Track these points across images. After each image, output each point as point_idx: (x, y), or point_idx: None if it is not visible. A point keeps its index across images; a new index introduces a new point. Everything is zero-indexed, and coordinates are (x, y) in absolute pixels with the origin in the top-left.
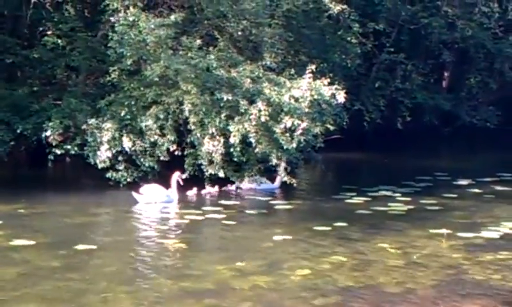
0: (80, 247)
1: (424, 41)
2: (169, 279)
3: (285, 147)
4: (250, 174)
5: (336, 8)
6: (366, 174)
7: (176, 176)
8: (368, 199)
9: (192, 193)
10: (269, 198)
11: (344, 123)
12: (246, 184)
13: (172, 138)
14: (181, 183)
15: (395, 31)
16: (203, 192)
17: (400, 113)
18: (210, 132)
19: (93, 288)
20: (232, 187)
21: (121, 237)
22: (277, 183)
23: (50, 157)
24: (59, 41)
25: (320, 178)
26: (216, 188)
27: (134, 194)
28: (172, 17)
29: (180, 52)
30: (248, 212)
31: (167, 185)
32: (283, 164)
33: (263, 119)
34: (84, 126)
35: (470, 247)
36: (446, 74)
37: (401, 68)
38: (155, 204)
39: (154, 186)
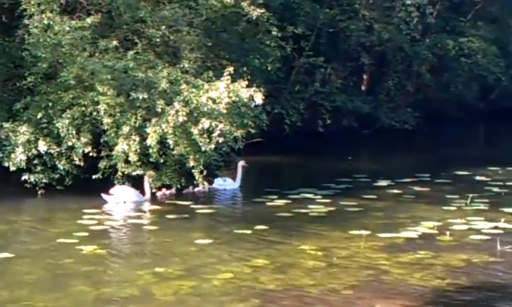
0: None
1: (342, 44)
2: (89, 286)
3: (203, 149)
4: (168, 176)
5: (254, 13)
6: (287, 176)
7: (146, 176)
8: (289, 201)
9: (161, 193)
10: (191, 202)
11: (264, 125)
12: (209, 184)
13: (88, 141)
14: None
15: (314, 35)
16: (158, 194)
17: (321, 116)
18: (125, 131)
19: (13, 297)
20: (189, 189)
21: (40, 245)
22: (238, 181)
23: None
24: None
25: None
26: (173, 190)
27: (103, 195)
28: (88, 20)
29: (97, 54)
30: (169, 217)
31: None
32: (199, 166)
33: (181, 119)
34: None
35: (390, 247)
36: (365, 77)
37: (320, 71)
38: (124, 203)
39: (124, 187)
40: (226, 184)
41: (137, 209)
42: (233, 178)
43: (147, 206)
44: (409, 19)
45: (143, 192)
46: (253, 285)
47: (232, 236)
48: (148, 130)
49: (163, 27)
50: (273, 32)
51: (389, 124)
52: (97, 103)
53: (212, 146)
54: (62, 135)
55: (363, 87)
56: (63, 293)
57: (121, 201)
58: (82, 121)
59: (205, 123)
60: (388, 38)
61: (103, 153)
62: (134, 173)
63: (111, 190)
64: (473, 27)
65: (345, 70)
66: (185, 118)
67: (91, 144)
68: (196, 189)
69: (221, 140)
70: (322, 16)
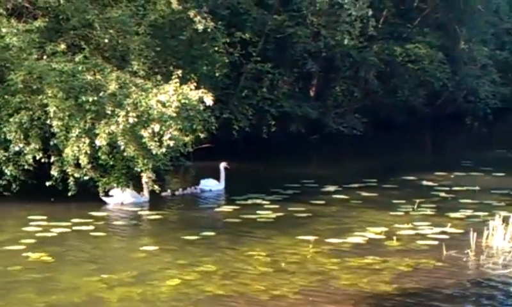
0: None
1: (290, 50)
2: (37, 293)
3: (154, 152)
4: (117, 179)
5: (200, 26)
6: (235, 182)
7: (145, 177)
8: (237, 207)
9: (167, 194)
10: (138, 208)
11: (214, 129)
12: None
13: (37, 146)
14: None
15: (261, 41)
16: (162, 194)
17: (267, 122)
18: (74, 134)
19: None
20: (179, 191)
21: None
22: (222, 182)
23: None
24: None
25: (189, 187)
26: (180, 190)
27: (102, 197)
28: (36, 23)
29: (45, 57)
30: (116, 223)
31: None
32: (149, 171)
33: (131, 120)
34: None
35: (337, 252)
36: (313, 83)
37: (268, 77)
38: (122, 204)
39: (124, 189)
40: (211, 185)
41: (85, 215)
42: (218, 179)
43: (97, 212)
44: (352, 30)
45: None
46: (201, 291)
47: (180, 242)
48: (97, 130)
49: (111, 31)
50: (221, 40)
51: (337, 130)
52: (46, 106)
53: (163, 150)
54: (10, 139)
55: (311, 93)
56: (9, 301)
57: (120, 203)
58: (30, 125)
59: (156, 126)
60: (335, 44)
61: (53, 159)
62: (86, 177)
63: (111, 192)
64: (420, 33)
65: (293, 76)
66: (136, 120)
67: (40, 149)
68: (184, 191)
69: (171, 143)
70: (270, 22)
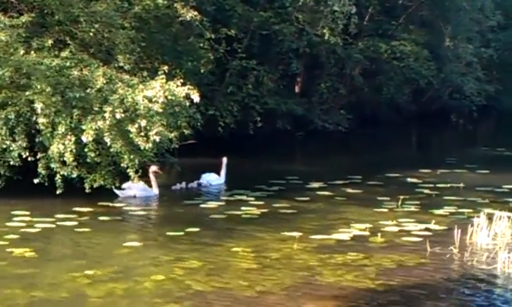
0: None
1: (275, 46)
2: (21, 288)
3: (141, 147)
4: (104, 176)
5: (188, 15)
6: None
7: (152, 170)
8: (222, 203)
9: (177, 187)
10: (124, 204)
11: (199, 125)
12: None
13: (24, 144)
14: (157, 173)
15: (247, 37)
16: (173, 187)
17: (252, 119)
18: (60, 131)
19: None
20: (182, 185)
21: None
22: (223, 176)
23: None
24: None
25: (174, 182)
26: (184, 184)
27: (114, 189)
28: (22, 18)
29: (32, 53)
30: (101, 218)
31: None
32: (135, 166)
33: (118, 116)
34: None
35: (322, 249)
36: (298, 79)
37: (253, 74)
38: (135, 198)
39: (137, 182)
40: (212, 179)
41: (70, 211)
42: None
43: (81, 208)
44: (334, 26)
45: (151, 186)
46: (185, 287)
47: (165, 238)
48: (84, 126)
49: (96, 25)
50: (206, 34)
51: (322, 126)
52: (32, 102)
53: (150, 145)
54: None
55: (296, 90)
56: None
57: (132, 196)
58: (16, 121)
59: (142, 121)
60: (320, 41)
61: (39, 156)
62: (74, 175)
63: (123, 185)
64: (405, 30)
65: (279, 73)
66: (122, 115)
67: (27, 147)
68: (189, 185)
69: (158, 139)
70: (255, 19)
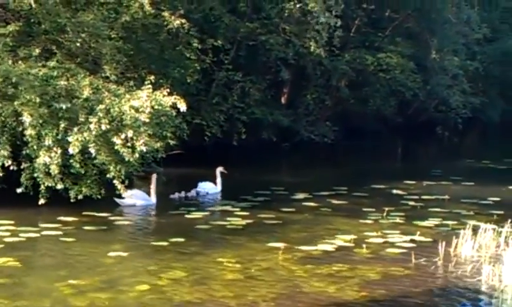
0: None
1: (262, 57)
2: (4, 298)
3: (126, 159)
4: (89, 186)
5: (175, 23)
6: None
7: (154, 178)
8: (207, 213)
9: (175, 196)
10: (108, 214)
11: (185, 135)
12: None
13: (6, 153)
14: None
15: (233, 48)
16: (171, 196)
17: (237, 129)
18: (47, 143)
19: None
20: (181, 193)
21: None
22: (219, 185)
23: None
24: None
25: (159, 192)
26: (183, 193)
27: (115, 198)
28: (10, 27)
29: (20, 62)
30: (86, 228)
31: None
32: (121, 177)
33: (103, 127)
34: None
35: (307, 259)
36: (285, 90)
37: (239, 85)
38: (135, 206)
39: (135, 191)
40: (208, 188)
41: (55, 220)
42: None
43: (66, 217)
44: (319, 38)
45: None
46: (170, 297)
47: (150, 248)
48: (70, 138)
49: (83, 35)
50: (194, 44)
51: (308, 137)
52: (19, 114)
53: (137, 156)
54: None
55: (282, 101)
56: None
57: (132, 204)
58: (1, 131)
59: (129, 132)
60: (306, 53)
61: (23, 165)
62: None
63: (124, 194)
64: (391, 42)
65: (265, 83)
66: (108, 126)
67: (11, 156)
68: (188, 194)
69: (145, 149)
70: (242, 30)
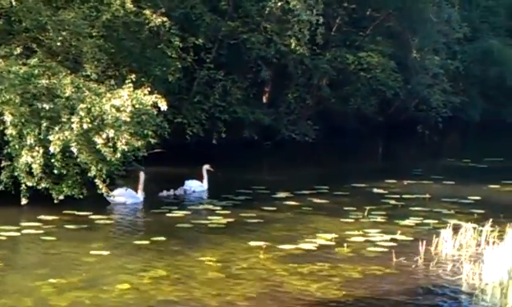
0: None
1: (243, 56)
2: None
3: (108, 158)
4: (71, 186)
5: (157, 21)
6: None
7: (142, 176)
8: (188, 212)
9: (164, 194)
10: (90, 213)
11: (166, 134)
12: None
13: None
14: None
15: (215, 46)
16: (160, 194)
17: (218, 128)
18: (28, 143)
19: None
20: (170, 191)
21: None
22: (205, 183)
23: None
24: None
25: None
26: (171, 191)
27: (105, 195)
28: None
29: (0, 60)
30: (67, 227)
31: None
32: (102, 176)
33: (85, 126)
34: None
35: (288, 258)
36: (266, 89)
37: (221, 83)
38: (124, 204)
39: (124, 189)
40: (195, 186)
41: (35, 219)
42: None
43: (46, 216)
44: (300, 36)
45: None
46: (151, 296)
47: (131, 247)
48: (51, 137)
49: (64, 33)
50: (175, 42)
51: (289, 136)
52: (1, 114)
53: (118, 155)
54: None
55: (264, 100)
56: None
57: (123, 202)
58: None
59: (110, 131)
60: (288, 51)
61: (3, 164)
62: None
63: (113, 192)
64: (372, 41)
65: (247, 82)
66: (90, 125)
67: None
68: (175, 192)
69: (126, 148)
70: (223, 28)
